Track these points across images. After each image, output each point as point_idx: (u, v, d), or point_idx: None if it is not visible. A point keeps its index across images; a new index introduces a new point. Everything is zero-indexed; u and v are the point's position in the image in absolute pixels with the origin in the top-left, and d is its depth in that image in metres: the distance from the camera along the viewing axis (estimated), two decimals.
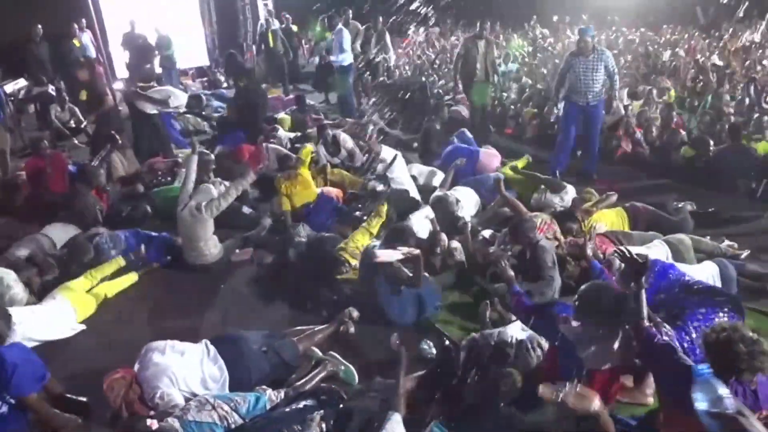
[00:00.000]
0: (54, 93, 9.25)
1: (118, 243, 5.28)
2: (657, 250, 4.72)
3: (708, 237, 5.15)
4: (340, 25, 10.19)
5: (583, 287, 3.25)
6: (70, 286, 4.65)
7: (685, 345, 3.29)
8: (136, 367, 3.46)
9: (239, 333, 3.89)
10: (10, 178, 7.26)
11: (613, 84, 7.12)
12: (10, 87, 9.56)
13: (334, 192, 6.33)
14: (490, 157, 7.19)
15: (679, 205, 5.66)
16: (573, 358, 3.06)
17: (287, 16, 13.87)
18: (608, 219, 5.39)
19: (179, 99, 7.61)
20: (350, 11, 11.08)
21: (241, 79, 9.09)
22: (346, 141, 7.46)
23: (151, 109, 7.43)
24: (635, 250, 4.61)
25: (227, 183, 5.96)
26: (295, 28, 14.07)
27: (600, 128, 7.32)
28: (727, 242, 5.12)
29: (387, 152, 6.51)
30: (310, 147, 6.56)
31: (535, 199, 6.08)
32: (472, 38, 9.12)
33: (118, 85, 8.91)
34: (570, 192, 6.06)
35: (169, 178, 7.01)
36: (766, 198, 6.23)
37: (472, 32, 9.47)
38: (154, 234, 5.63)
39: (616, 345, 2.97)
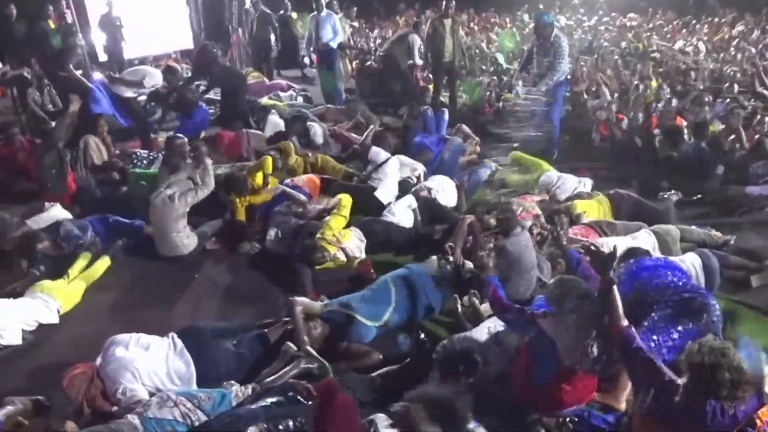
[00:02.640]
0: (30, 76, 8.98)
1: (85, 229, 5.10)
2: (643, 240, 4.64)
3: (694, 226, 5.08)
4: (326, 9, 10.03)
5: (551, 280, 3.18)
6: (44, 284, 4.46)
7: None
8: (99, 361, 3.34)
9: (208, 325, 3.77)
10: None
11: (551, 72, 7.07)
12: None
13: (306, 181, 6.07)
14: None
15: (665, 195, 5.58)
16: (546, 356, 2.97)
17: (287, 2, 13.54)
18: (592, 209, 5.30)
19: (155, 78, 7.40)
20: None
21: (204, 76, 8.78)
22: (317, 135, 7.28)
23: (127, 93, 7.22)
24: (620, 240, 4.58)
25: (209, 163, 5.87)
26: (294, 15, 13.75)
27: (555, 110, 7.41)
28: (713, 231, 5.05)
29: (377, 154, 6.15)
30: (270, 158, 6.11)
31: (542, 180, 6.06)
32: (439, 18, 9.14)
33: (97, 76, 8.61)
34: (587, 183, 6.03)
35: (146, 163, 6.84)
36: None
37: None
38: (126, 221, 5.45)
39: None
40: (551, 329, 3.00)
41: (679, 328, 3.27)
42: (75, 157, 6.59)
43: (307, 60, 13.76)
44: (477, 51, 13.21)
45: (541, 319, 3.05)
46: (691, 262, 4.17)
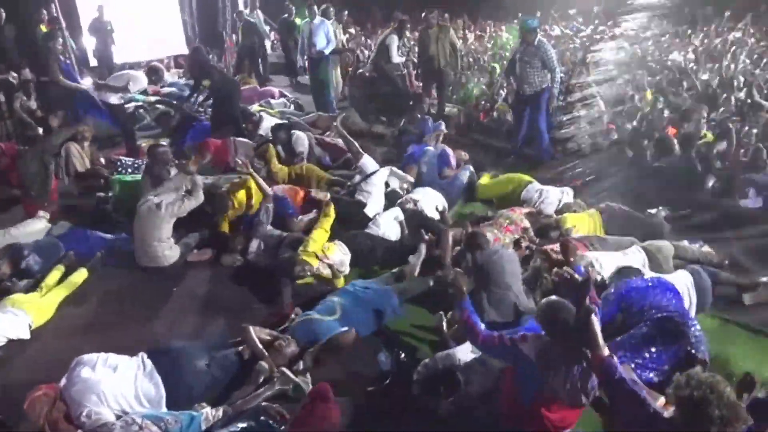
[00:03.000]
0: (15, 81, 8.86)
1: (53, 252, 4.94)
2: (633, 257, 4.51)
3: (686, 241, 4.96)
4: (318, 16, 9.92)
5: (543, 301, 3.07)
6: (15, 298, 4.31)
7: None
8: (63, 382, 3.19)
9: (180, 345, 3.63)
10: None
11: (552, 77, 7.21)
12: None
13: (289, 190, 5.90)
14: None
15: (653, 212, 5.46)
16: (531, 378, 2.85)
17: (291, 7, 13.36)
18: (582, 223, 5.18)
19: (140, 82, 7.30)
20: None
21: (203, 79, 8.57)
22: (298, 143, 7.12)
23: (114, 99, 7.11)
24: (610, 256, 4.46)
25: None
26: (298, 20, 13.56)
27: (542, 116, 7.41)
28: (705, 247, 4.93)
29: (369, 163, 6.02)
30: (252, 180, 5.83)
31: (524, 195, 5.95)
32: (424, 29, 9.28)
33: (87, 81, 8.46)
34: (569, 192, 5.94)
35: (130, 171, 6.71)
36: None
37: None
38: (106, 236, 5.31)
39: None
40: (533, 353, 2.88)
41: (652, 348, 3.26)
42: (57, 165, 6.46)
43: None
44: (471, 59, 13.14)
45: (522, 343, 2.92)
46: (683, 280, 4.04)
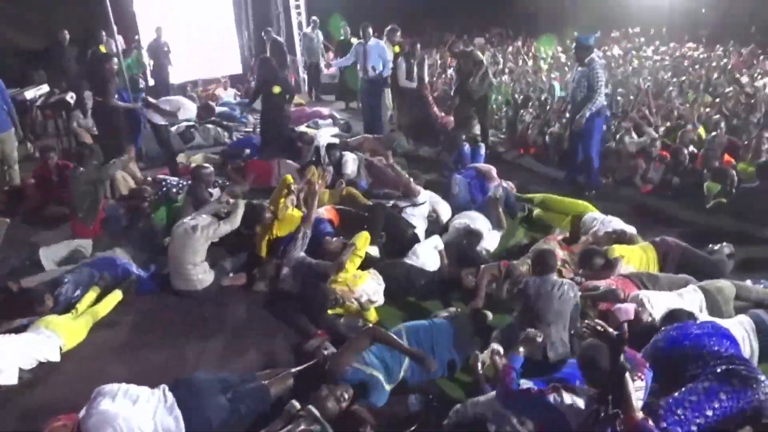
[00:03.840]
0: (71, 100, 9.15)
1: (85, 283, 4.83)
2: (689, 298, 4.16)
3: (749, 281, 4.57)
4: (373, 38, 9.76)
5: (584, 343, 2.84)
6: (49, 319, 4.29)
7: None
8: (82, 413, 3.12)
9: (203, 377, 3.51)
10: (17, 186, 7.14)
11: (590, 97, 6.65)
12: (31, 93, 9.55)
13: (330, 212, 5.80)
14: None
15: (716, 248, 5.05)
16: None
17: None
18: (633, 255, 4.84)
19: (189, 111, 7.39)
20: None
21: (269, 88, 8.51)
22: (347, 165, 7.05)
23: (159, 120, 7.22)
24: (663, 296, 4.14)
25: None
26: (354, 40, 13.48)
27: (592, 143, 6.94)
28: None
29: (423, 195, 5.89)
30: (290, 177, 5.83)
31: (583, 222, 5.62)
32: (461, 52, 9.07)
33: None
34: (615, 221, 5.52)
35: (174, 190, 6.75)
36: None
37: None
38: (133, 268, 5.21)
39: None
40: (563, 406, 2.63)
41: (715, 405, 2.88)
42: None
43: None
44: (529, 80, 12.86)
45: (552, 394, 2.67)
46: (743, 325, 3.70)
